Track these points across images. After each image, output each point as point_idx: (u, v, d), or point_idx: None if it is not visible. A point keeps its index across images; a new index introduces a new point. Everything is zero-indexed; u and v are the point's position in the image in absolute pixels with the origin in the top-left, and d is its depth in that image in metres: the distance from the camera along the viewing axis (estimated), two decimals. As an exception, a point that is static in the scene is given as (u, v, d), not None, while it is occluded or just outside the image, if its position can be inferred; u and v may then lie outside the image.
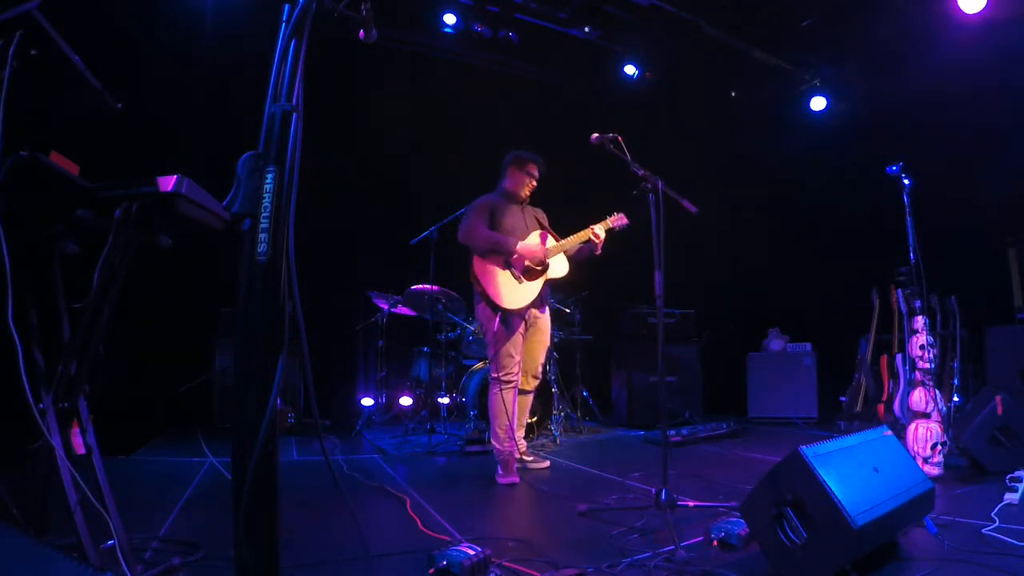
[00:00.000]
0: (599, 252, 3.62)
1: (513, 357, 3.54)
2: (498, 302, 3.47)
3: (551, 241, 3.72)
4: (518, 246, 3.54)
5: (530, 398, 3.91)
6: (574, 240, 3.62)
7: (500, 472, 3.47)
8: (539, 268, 3.61)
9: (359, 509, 2.88)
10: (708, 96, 7.19)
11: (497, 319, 3.48)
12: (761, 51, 6.44)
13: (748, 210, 6.92)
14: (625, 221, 3.66)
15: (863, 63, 6.24)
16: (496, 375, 3.55)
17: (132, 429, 4.41)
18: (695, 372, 6.24)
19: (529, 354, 3.71)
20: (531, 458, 3.86)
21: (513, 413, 3.56)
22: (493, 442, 3.59)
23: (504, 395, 3.53)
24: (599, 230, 3.57)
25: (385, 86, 6.29)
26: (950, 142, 5.24)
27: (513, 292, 3.52)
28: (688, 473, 3.56)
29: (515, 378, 3.57)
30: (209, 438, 4.83)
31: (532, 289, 3.59)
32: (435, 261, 4.78)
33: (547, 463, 3.92)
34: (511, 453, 3.51)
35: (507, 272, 3.55)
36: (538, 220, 3.83)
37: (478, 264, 3.54)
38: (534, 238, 3.70)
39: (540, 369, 3.83)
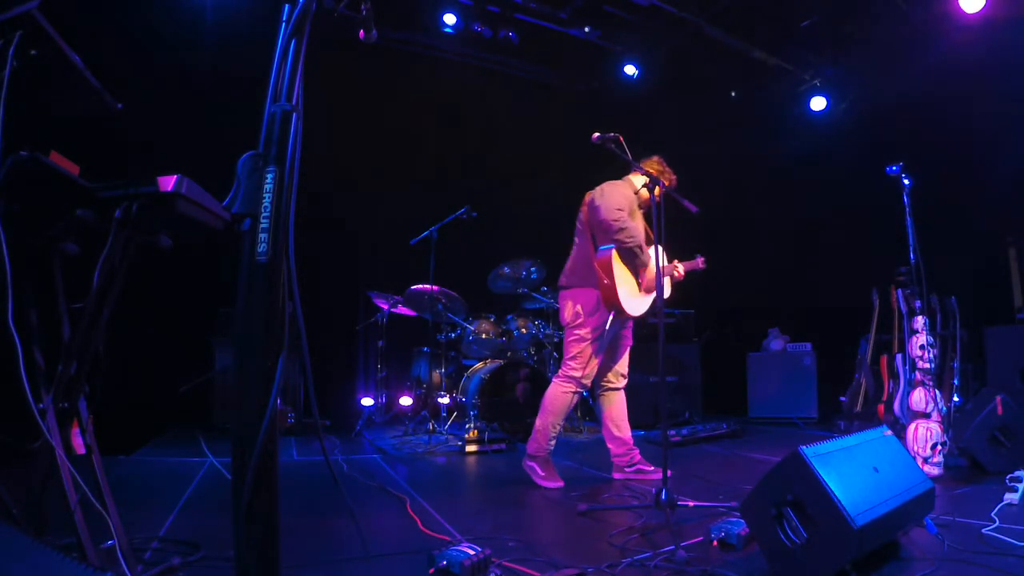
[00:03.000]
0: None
1: (597, 360, 3.38)
2: (621, 303, 3.25)
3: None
4: (646, 271, 3.41)
5: (623, 395, 3.68)
6: (667, 270, 3.62)
7: (541, 473, 3.27)
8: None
9: (359, 509, 2.88)
10: (708, 96, 7.18)
11: (609, 317, 3.28)
12: (761, 51, 6.43)
13: (748, 210, 6.92)
14: (703, 266, 3.74)
15: (863, 63, 6.24)
16: (576, 373, 3.33)
17: (132, 429, 4.41)
18: (695, 372, 6.24)
19: (623, 361, 3.60)
20: (651, 468, 3.53)
21: (567, 412, 3.44)
22: (537, 437, 3.34)
23: (573, 396, 3.36)
24: (681, 269, 3.66)
25: (385, 86, 6.29)
26: (950, 142, 5.24)
27: (636, 299, 3.41)
28: (688, 473, 3.55)
29: (589, 384, 3.43)
30: (209, 438, 4.84)
31: (647, 301, 3.51)
32: (435, 261, 4.78)
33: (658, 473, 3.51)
34: (550, 454, 3.37)
35: (635, 278, 3.42)
36: (648, 231, 3.62)
37: (615, 256, 3.29)
38: (653, 256, 3.56)
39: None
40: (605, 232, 3.30)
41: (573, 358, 3.35)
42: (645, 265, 3.40)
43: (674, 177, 3.53)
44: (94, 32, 3.25)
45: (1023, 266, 5.00)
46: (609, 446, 3.57)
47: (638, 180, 3.52)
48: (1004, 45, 5.00)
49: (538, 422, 3.40)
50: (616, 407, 3.56)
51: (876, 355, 4.83)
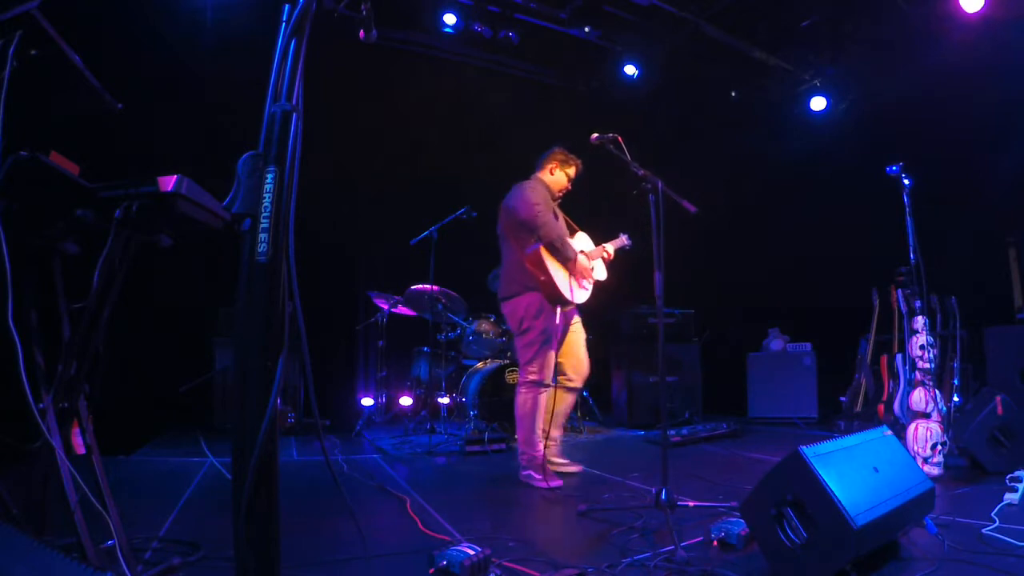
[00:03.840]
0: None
1: (554, 358, 3.45)
2: (564, 295, 3.34)
3: (588, 245, 3.76)
4: (575, 259, 3.45)
5: (574, 397, 3.78)
6: (597, 254, 3.72)
7: (537, 477, 3.31)
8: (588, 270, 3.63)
9: (359, 509, 2.88)
10: (708, 96, 7.18)
11: (556, 313, 3.36)
12: (761, 51, 6.43)
13: (748, 210, 6.91)
14: (629, 243, 3.87)
15: (863, 63, 6.23)
16: (537, 377, 3.41)
17: (132, 429, 4.41)
18: (695, 372, 6.23)
19: (578, 353, 3.65)
20: (565, 461, 3.68)
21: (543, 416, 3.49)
22: (525, 448, 3.41)
23: (542, 398, 3.42)
24: (610, 249, 3.74)
25: (385, 86, 6.29)
26: (950, 142, 5.23)
27: (574, 287, 3.48)
28: (688, 473, 3.55)
29: (552, 380, 3.48)
30: (209, 438, 4.83)
31: (588, 288, 3.60)
32: (435, 261, 4.78)
33: (580, 467, 3.72)
34: (544, 456, 3.41)
35: (565, 268, 3.47)
36: (567, 221, 3.74)
37: (544, 253, 3.37)
38: (581, 242, 3.68)
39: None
40: (528, 231, 3.39)
41: (530, 362, 3.42)
42: (572, 258, 3.45)
43: (579, 162, 3.69)
44: (94, 32, 3.25)
45: (1023, 266, 5.00)
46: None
47: (547, 176, 3.66)
48: (1004, 45, 5.00)
49: (520, 435, 3.47)
50: (563, 405, 3.62)
51: (876, 355, 4.83)
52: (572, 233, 3.71)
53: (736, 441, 4.95)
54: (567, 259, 3.42)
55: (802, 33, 6.09)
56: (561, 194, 3.71)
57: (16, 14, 1.41)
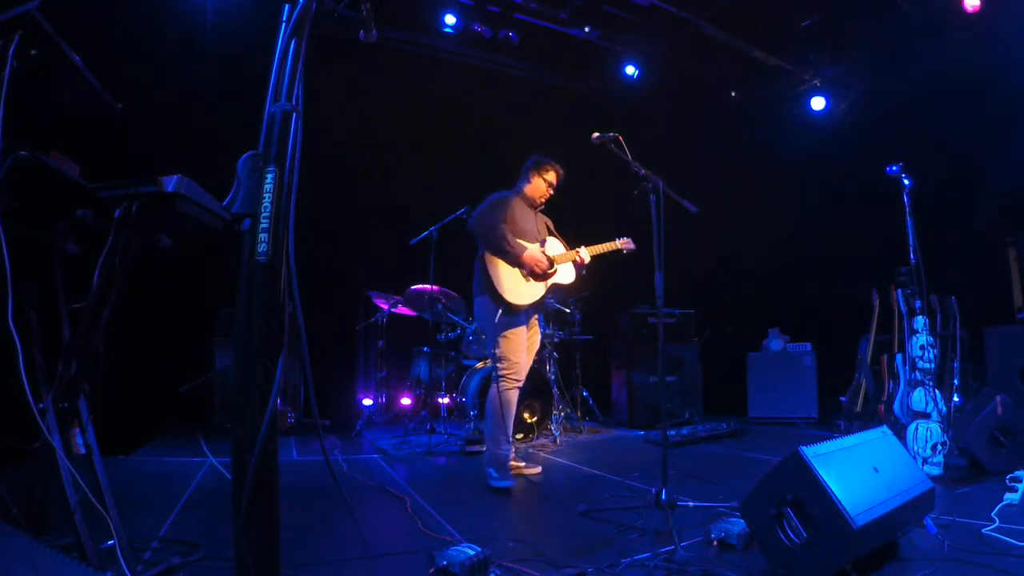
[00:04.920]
0: (582, 270, 3.79)
1: (520, 354, 3.49)
2: (504, 295, 3.44)
3: (557, 249, 3.75)
4: (524, 255, 3.50)
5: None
6: (566, 257, 3.71)
7: (495, 475, 3.35)
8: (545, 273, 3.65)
9: (359, 509, 2.88)
10: (708, 96, 7.18)
11: (499, 313, 3.44)
12: (761, 51, 6.43)
13: (748, 210, 6.91)
14: (632, 247, 3.84)
15: (863, 63, 6.23)
16: (503, 373, 3.46)
17: (132, 429, 4.41)
18: (695, 372, 6.23)
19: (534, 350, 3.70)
20: (522, 463, 3.81)
21: (511, 414, 3.51)
22: (489, 444, 3.47)
23: (509, 395, 3.45)
24: (584, 254, 3.70)
25: (385, 86, 6.29)
26: (950, 142, 5.24)
27: (520, 288, 3.52)
28: (688, 473, 3.55)
29: (521, 377, 3.51)
30: (209, 438, 4.83)
31: (538, 289, 3.61)
32: (435, 261, 4.78)
33: (539, 468, 3.83)
34: (507, 456, 3.45)
35: (516, 270, 3.54)
36: (548, 227, 3.83)
37: (489, 256, 3.51)
38: (551, 247, 3.72)
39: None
40: (478, 237, 3.56)
41: (500, 360, 3.47)
42: (519, 256, 3.50)
43: (557, 168, 3.74)
44: (95, 32, 3.25)
45: (1023, 266, 5.00)
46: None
47: (526, 185, 3.72)
48: (1004, 44, 5.01)
49: (486, 431, 3.49)
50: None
51: (876, 355, 4.83)
52: (545, 238, 3.74)
53: (736, 441, 4.95)
54: (513, 258, 3.49)
55: (802, 33, 6.09)
56: (543, 200, 3.77)
57: (16, 14, 1.41)
